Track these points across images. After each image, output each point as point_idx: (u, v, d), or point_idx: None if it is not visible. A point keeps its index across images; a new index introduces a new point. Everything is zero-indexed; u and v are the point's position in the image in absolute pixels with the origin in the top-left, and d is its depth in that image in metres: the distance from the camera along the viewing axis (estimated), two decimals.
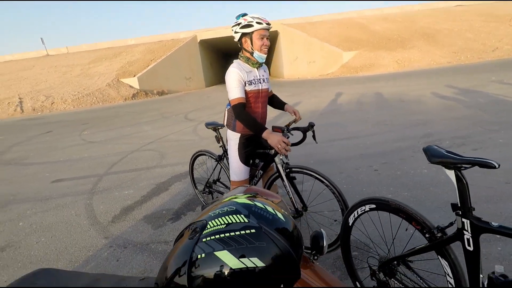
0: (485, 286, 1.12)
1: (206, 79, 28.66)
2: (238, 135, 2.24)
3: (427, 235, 1.32)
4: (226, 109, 2.28)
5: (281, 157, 2.13)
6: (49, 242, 2.81)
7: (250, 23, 1.97)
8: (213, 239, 0.64)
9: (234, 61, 2.13)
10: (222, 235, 0.64)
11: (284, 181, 2.12)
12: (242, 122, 2.06)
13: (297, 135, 2.14)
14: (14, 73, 23.54)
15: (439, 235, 1.27)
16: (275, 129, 2.11)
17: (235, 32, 2.05)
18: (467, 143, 4.16)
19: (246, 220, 0.67)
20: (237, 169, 2.27)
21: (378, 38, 22.12)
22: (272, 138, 1.90)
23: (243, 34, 2.02)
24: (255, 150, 2.32)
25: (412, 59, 18.40)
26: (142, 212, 3.23)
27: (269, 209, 0.72)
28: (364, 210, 1.56)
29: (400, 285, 1.48)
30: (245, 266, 0.61)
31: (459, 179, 1.15)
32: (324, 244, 0.80)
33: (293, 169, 2.12)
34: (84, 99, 17.69)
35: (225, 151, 2.70)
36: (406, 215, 1.40)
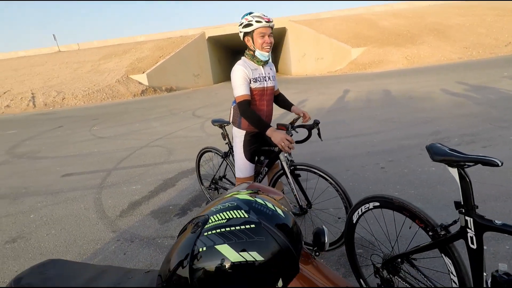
0: (489, 284, 1.11)
1: (214, 76, 28.72)
2: (243, 132, 2.25)
3: (430, 233, 1.32)
4: (232, 106, 2.30)
5: (285, 155, 2.14)
6: (59, 234, 2.88)
7: (250, 22, 2.00)
8: (214, 233, 0.66)
9: (242, 58, 2.16)
10: (222, 230, 0.66)
11: (288, 178, 2.13)
12: (246, 119, 2.07)
13: (302, 133, 2.15)
14: (28, 69, 24.01)
15: (442, 233, 1.27)
16: (280, 126, 2.12)
17: (240, 32, 2.10)
18: (476, 141, 4.09)
19: (246, 216, 0.69)
20: (242, 166, 2.29)
21: (387, 34, 21.81)
22: (276, 136, 1.92)
23: (245, 34, 2.06)
24: (260, 147, 2.33)
25: (422, 55, 18.10)
26: (149, 207, 3.28)
27: (269, 205, 0.74)
28: (368, 208, 1.56)
29: (404, 282, 1.48)
30: (244, 260, 0.62)
31: (462, 177, 1.15)
32: (326, 241, 0.81)
33: (298, 167, 2.13)
34: (94, 95, 17.94)
35: (231, 148, 2.72)
36: (409, 213, 1.39)
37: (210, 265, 0.63)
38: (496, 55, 16.13)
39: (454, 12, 24.27)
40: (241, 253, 0.63)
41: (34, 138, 8.38)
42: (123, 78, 19.73)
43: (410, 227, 1.55)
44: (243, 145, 2.26)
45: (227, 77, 32.43)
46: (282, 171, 2.20)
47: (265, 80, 2.16)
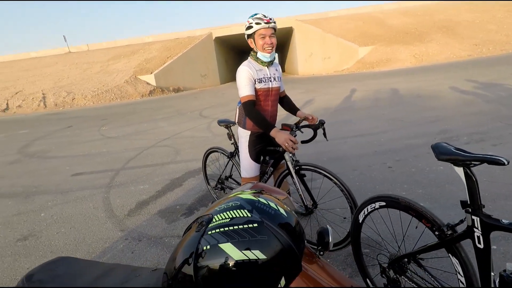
0: (497, 284, 1.10)
1: (221, 76, 28.79)
2: (248, 132, 2.26)
3: (437, 233, 1.31)
4: (237, 106, 2.31)
5: (290, 155, 2.15)
6: (69, 232, 2.93)
7: (251, 25, 2.03)
8: (217, 232, 0.67)
9: (248, 58, 2.18)
10: (226, 228, 0.67)
11: (293, 178, 2.14)
12: (251, 119, 2.09)
13: (308, 133, 2.15)
14: (39, 69, 24.46)
15: (449, 232, 1.26)
16: (284, 127, 2.12)
17: (245, 34, 2.14)
18: (486, 139, 4.03)
19: (249, 215, 0.70)
20: (247, 166, 2.30)
21: (395, 32, 21.57)
22: (279, 137, 1.93)
23: (248, 36, 2.10)
24: (265, 148, 2.34)
25: (431, 53, 17.86)
26: (156, 206, 3.32)
27: (272, 204, 0.75)
28: (374, 207, 1.55)
29: (410, 282, 1.47)
30: (247, 258, 0.63)
31: (468, 176, 1.14)
32: (330, 240, 0.82)
33: (303, 167, 2.13)
34: (103, 96, 18.18)
35: (237, 148, 2.73)
36: (416, 213, 1.39)
37: (214, 263, 0.64)
38: (507, 52, 15.82)
39: (463, 9, 23.89)
40: (244, 251, 0.64)
41: (45, 137, 8.54)
42: (131, 79, 19.95)
43: (416, 227, 1.54)
44: (248, 145, 2.27)
45: (234, 78, 32.27)
46: (287, 171, 2.21)
47: (270, 81, 2.16)
